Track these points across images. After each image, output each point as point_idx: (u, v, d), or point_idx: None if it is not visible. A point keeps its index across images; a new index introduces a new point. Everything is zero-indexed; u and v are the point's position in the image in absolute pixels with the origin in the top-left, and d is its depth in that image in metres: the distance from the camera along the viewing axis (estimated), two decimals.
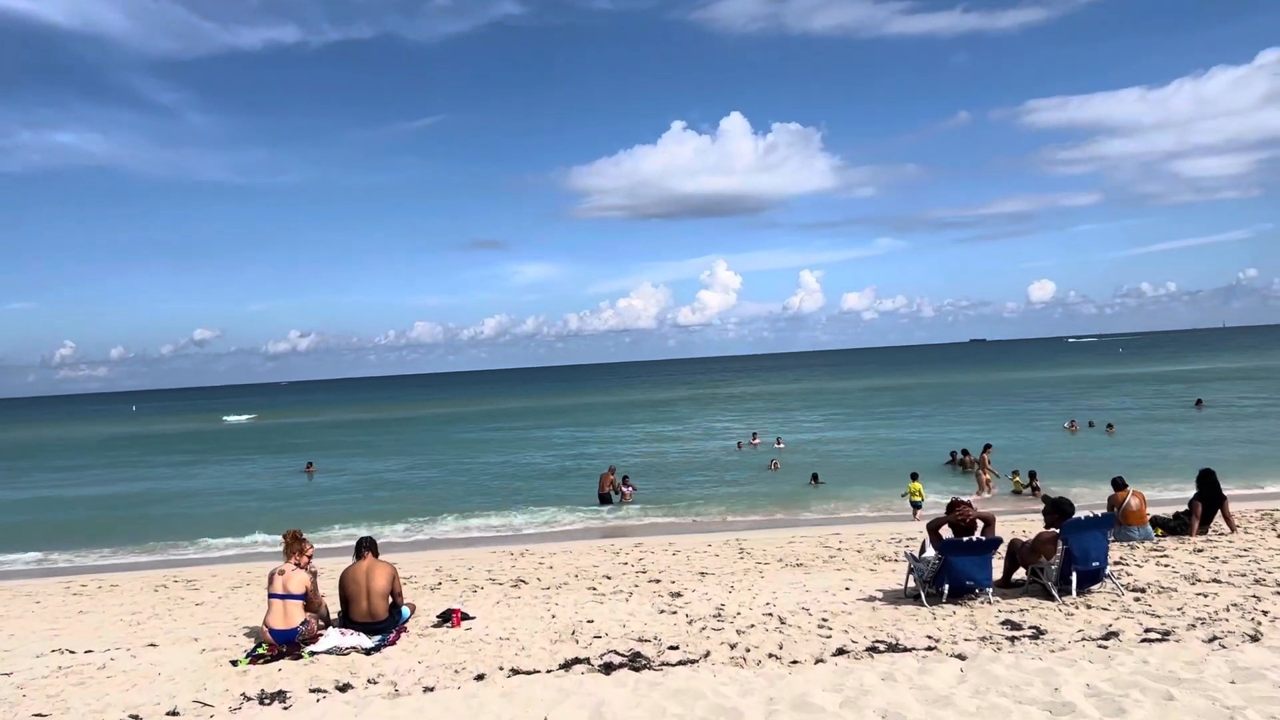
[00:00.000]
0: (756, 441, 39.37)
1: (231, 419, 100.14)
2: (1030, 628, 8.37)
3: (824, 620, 9.34)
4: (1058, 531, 9.70)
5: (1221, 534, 13.92)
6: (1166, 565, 11.41)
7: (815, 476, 29.30)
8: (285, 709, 7.22)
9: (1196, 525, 13.85)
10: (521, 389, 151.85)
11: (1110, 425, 39.35)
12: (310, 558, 10.54)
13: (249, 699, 7.52)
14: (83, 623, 12.52)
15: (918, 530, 18.30)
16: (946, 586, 9.61)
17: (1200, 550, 12.43)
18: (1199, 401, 47.23)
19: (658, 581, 12.77)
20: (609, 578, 13.55)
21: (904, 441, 39.70)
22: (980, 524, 9.76)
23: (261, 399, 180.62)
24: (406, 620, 10.57)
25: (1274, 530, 13.83)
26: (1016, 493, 25.08)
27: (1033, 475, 25.07)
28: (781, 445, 38.59)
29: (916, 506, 22.76)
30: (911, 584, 10.33)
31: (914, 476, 23.69)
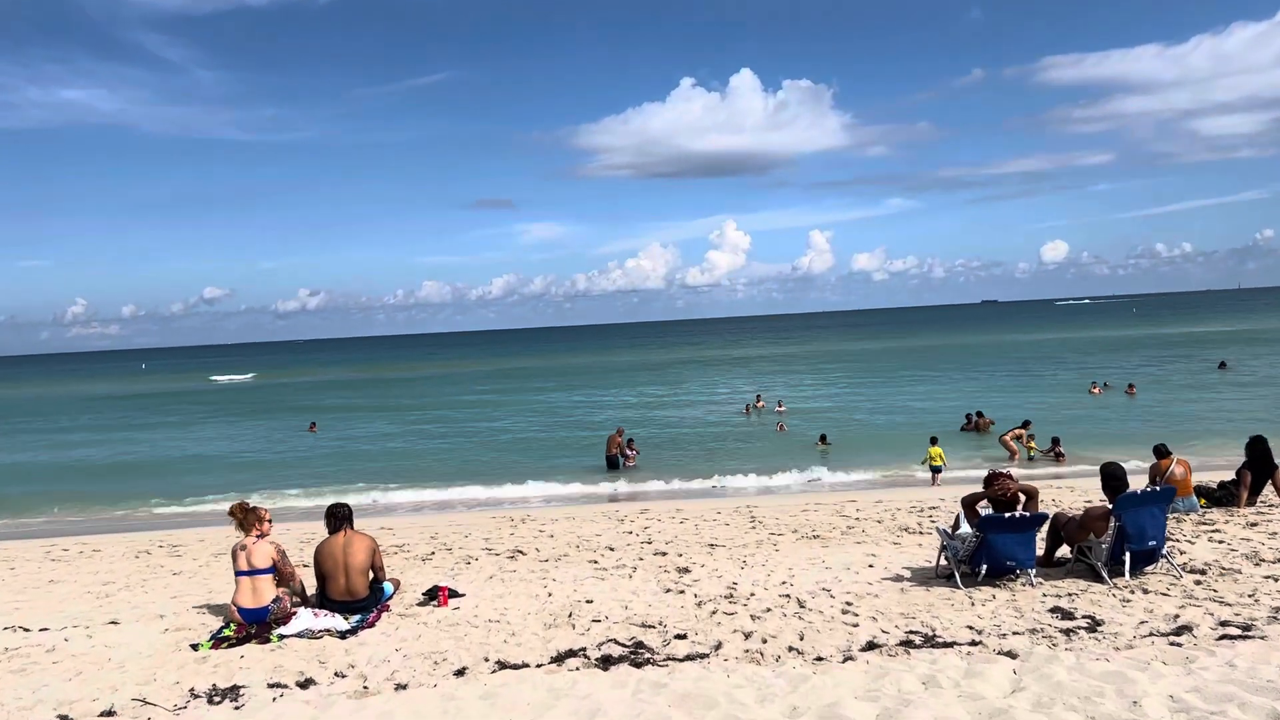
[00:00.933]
0: (761, 404, 38.40)
1: (227, 379, 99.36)
2: (1084, 617, 7.40)
3: (848, 604, 8.39)
4: (1110, 506, 8.70)
5: (1273, 505, 12.91)
6: (1221, 542, 10.42)
7: (823, 437, 28.33)
8: (236, 709, 6.32)
9: (1245, 496, 12.83)
10: (529, 349, 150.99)
11: (1131, 386, 38.32)
12: (270, 522, 9.63)
13: (197, 696, 6.62)
14: (50, 595, 11.68)
15: (938, 497, 17.36)
16: (984, 567, 8.64)
17: (1255, 524, 11.43)
18: (1222, 363, 46.00)
19: (664, 554, 11.84)
20: (612, 549, 12.63)
21: (916, 405, 38.63)
22: (1023, 498, 8.76)
23: (271, 357, 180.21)
24: (389, 598, 9.67)
25: None
26: (1031, 458, 24.10)
27: (1055, 441, 24.03)
28: (783, 409, 37.52)
29: (936, 472, 21.86)
30: (944, 563, 9.37)
31: (934, 441, 22.79)
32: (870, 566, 10.20)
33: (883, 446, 27.88)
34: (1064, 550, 9.49)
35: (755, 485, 23.08)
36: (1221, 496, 13.11)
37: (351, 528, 9.44)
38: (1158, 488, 13.02)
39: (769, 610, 8.31)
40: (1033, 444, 24.49)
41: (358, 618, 9.09)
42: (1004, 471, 8.85)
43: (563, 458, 29.46)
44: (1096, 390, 38.42)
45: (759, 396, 39.72)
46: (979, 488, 9.17)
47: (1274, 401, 33.21)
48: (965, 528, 9.22)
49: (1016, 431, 24.87)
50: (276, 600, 9.18)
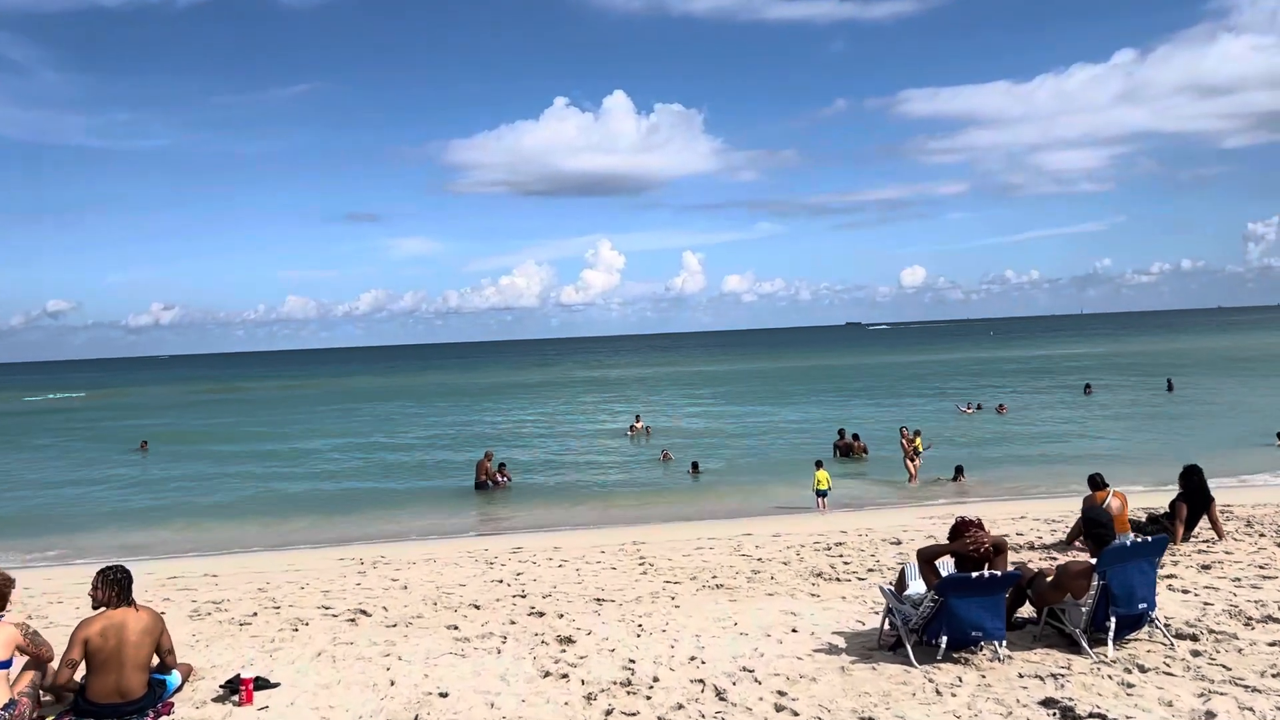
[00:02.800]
0: (641, 424, 36.69)
1: (56, 396, 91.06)
2: (1094, 718, 5.73)
3: (781, 694, 6.53)
4: (1092, 562, 7.14)
5: (1206, 541, 11.83)
6: (1186, 591, 9.08)
7: (695, 465, 26.73)
8: None
9: (1181, 531, 11.70)
10: (396, 367, 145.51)
11: (1001, 406, 38.51)
12: (12, 586, 7.16)
13: None
14: None
15: (839, 530, 15.85)
16: (945, 638, 6.93)
17: (1208, 568, 10.20)
18: (1087, 387, 47.06)
19: (540, 614, 9.74)
20: (477, 606, 10.44)
21: (790, 426, 37.67)
22: (991, 554, 7.10)
23: (110, 374, 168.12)
24: (173, 693, 7.25)
25: (1271, 537, 11.81)
26: (912, 457, 23.27)
27: (959, 470, 23.10)
28: (641, 426, 36.43)
29: (822, 496, 20.76)
30: (888, 629, 7.63)
31: (819, 464, 21.77)
32: (793, 631, 8.38)
33: (763, 470, 26.59)
34: (1024, 610, 7.92)
35: (638, 515, 21.19)
36: (1153, 531, 11.94)
37: (132, 602, 7.00)
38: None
39: (681, 708, 6.35)
40: (918, 440, 23.61)
41: None
42: (974, 520, 7.19)
43: (426, 483, 26.91)
44: (968, 410, 38.39)
45: (638, 417, 38.00)
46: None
47: (1141, 424, 33.63)
48: (915, 587, 7.52)
49: (916, 442, 23.65)
50: (10, 706, 6.68)
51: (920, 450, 23.33)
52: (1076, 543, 12.41)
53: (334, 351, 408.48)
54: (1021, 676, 6.62)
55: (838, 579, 10.94)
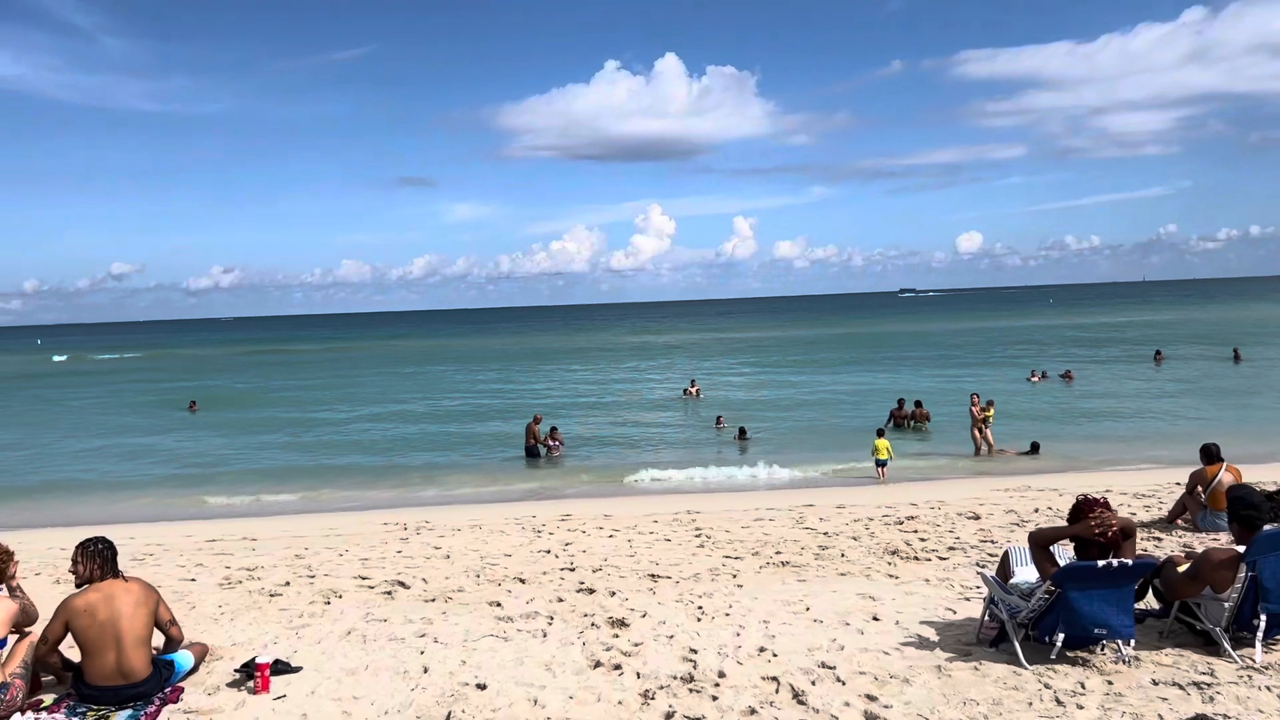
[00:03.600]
0: (696, 389, 35.78)
1: (114, 356, 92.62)
2: None
3: (871, 700, 5.59)
4: (1239, 550, 6.07)
5: None
6: None
7: (742, 431, 25.71)
8: None
9: None
10: (449, 331, 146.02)
11: (1068, 373, 36.85)
12: (16, 563, 6.51)
13: None
14: None
15: (909, 503, 14.81)
16: (1061, 635, 5.93)
17: None
18: (1158, 354, 44.98)
19: (590, 591, 8.90)
20: (522, 580, 9.65)
21: (845, 393, 36.38)
22: (1120, 538, 6.05)
23: (168, 336, 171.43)
24: (184, 676, 6.55)
25: None
26: (981, 427, 21.94)
27: (1035, 446, 21.78)
28: (695, 390, 35.71)
29: (882, 465, 19.86)
30: (989, 622, 6.64)
31: (880, 432, 20.87)
32: (874, 619, 7.43)
33: (816, 438, 25.56)
34: (1147, 601, 6.87)
35: (691, 482, 20.36)
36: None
37: (117, 574, 6.29)
38: (1204, 500, 10.73)
39: (754, 713, 5.46)
40: (990, 410, 22.25)
41: (128, 714, 5.99)
42: (1099, 498, 6.13)
43: (474, 447, 26.30)
44: (1035, 379, 36.78)
45: (693, 382, 37.05)
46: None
47: (1214, 395, 31.81)
48: (1022, 574, 6.51)
49: (987, 414, 22.24)
50: (2, 689, 6.03)
51: (990, 420, 22.01)
52: (1179, 520, 11.27)
53: (388, 315, 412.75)
54: (1156, 684, 5.61)
55: (915, 558, 9.95)
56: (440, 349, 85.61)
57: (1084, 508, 6.04)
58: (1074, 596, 5.83)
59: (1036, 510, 13.21)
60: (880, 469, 19.91)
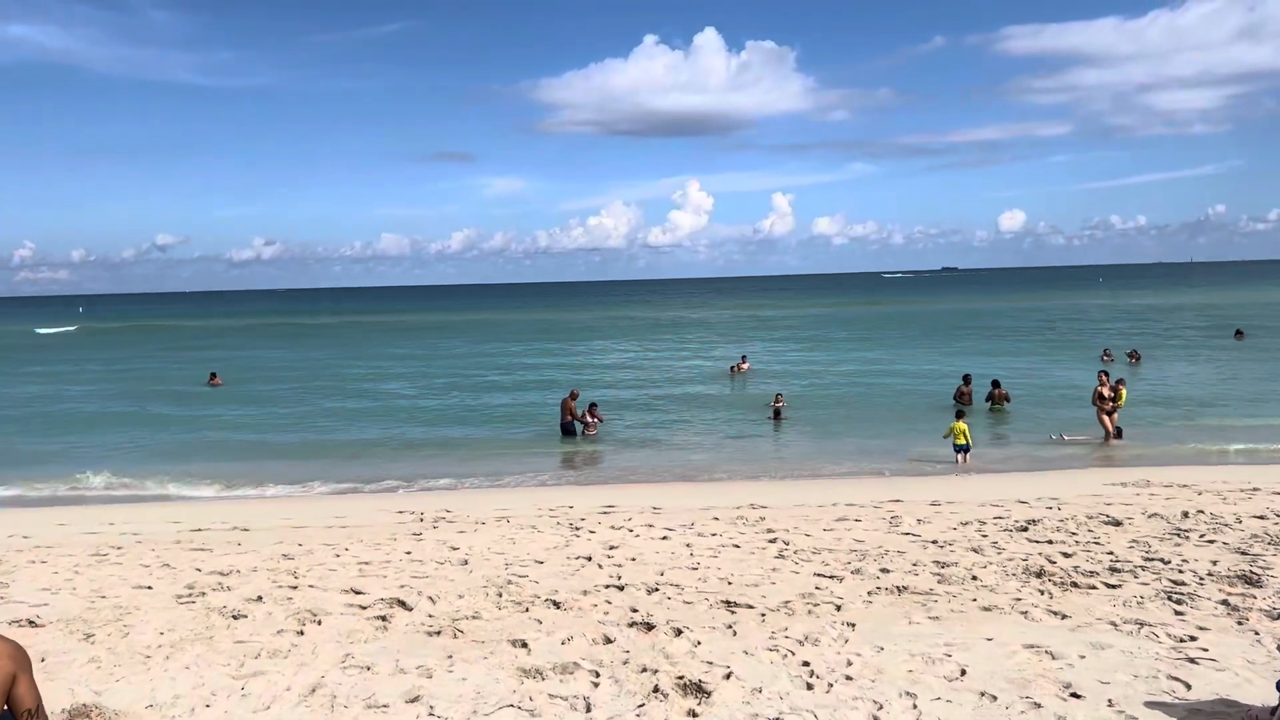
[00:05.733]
0: (746, 366, 33.32)
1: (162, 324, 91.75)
2: None
3: None
4: None
5: None
6: None
7: (777, 412, 23.27)
8: None
9: None
10: (486, 304, 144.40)
11: (1133, 353, 33.84)
12: None
13: None
14: None
15: (1014, 500, 12.37)
16: None
17: None
18: (1239, 332, 41.75)
19: (648, 627, 6.63)
20: (557, 604, 7.41)
21: (895, 371, 33.61)
22: None
23: (210, 306, 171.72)
24: None
25: None
26: (1110, 411, 19.00)
27: (1118, 430, 19.08)
28: (746, 367, 33.38)
29: (962, 451, 17.67)
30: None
31: (959, 415, 18.56)
32: (1072, 693, 5.07)
33: (872, 419, 23.19)
34: None
35: (746, 469, 17.99)
36: None
37: None
38: None
39: None
40: (1123, 390, 19.26)
41: None
42: None
43: (508, 425, 24.16)
44: (1108, 358, 33.87)
45: (744, 358, 34.55)
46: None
47: None
48: None
49: (1117, 389, 19.21)
50: None
51: (1121, 404, 19.01)
52: None
53: (427, 289, 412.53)
54: None
55: (1074, 584, 7.56)
56: (476, 323, 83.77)
57: None
58: None
59: (1186, 515, 10.73)
60: (961, 455, 17.70)
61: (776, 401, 23.90)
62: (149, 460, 20.03)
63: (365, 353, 49.68)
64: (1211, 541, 9.16)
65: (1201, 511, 10.94)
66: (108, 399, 31.27)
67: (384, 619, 7.13)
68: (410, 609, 7.44)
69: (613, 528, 11.22)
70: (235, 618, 7.31)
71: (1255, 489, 12.76)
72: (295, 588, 8.35)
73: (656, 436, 21.67)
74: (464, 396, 30.00)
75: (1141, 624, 6.31)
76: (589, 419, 21.68)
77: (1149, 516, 10.76)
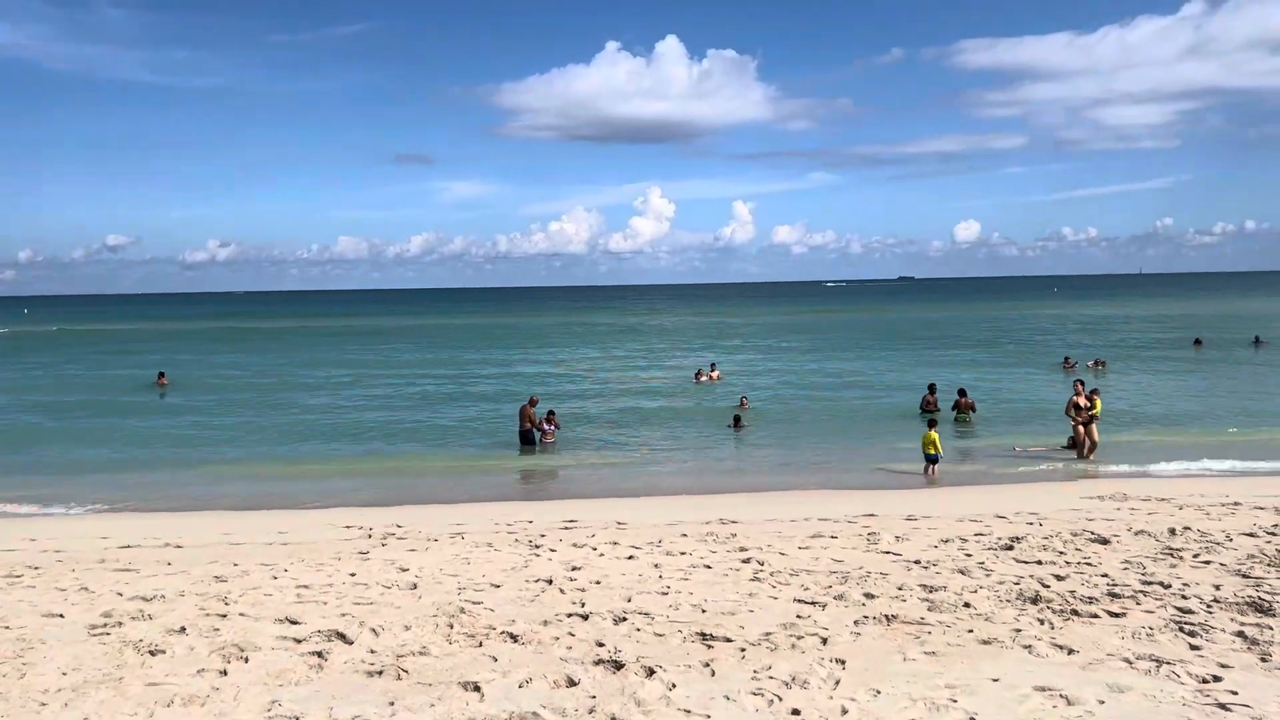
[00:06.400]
0: (716, 374, 32.53)
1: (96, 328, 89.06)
2: None
3: None
4: None
5: None
6: None
7: (737, 420, 22.81)
8: None
9: None
10: (444, 309, 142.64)
11: (1097, 361, 33.90)
12: None
13: None
14: None
15: (992, 515, 11.89)
16: None
17: None
18: (1198, 341, 42.13)
19: (618, 667, 5.96)
20: (514, 636, 6.70)
21: (856, 380, 33.16)
22: None
23: (160, 308, 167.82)
24: None
25: None
26: (1087, 422, 18.46)
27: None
28: (717, 375, 32.51)
29: (931, 460, 17.32)
30: None
31: (931, 424, 18.13)
32: None
33: (834, 428, 22.85)
34: None
35: (713, 481, 17.38)
36: None
37: None
38: None
39: None
40: (1098, 400, 18.71)
41: None
42: None
43: (465, 433, 23.31)
44: (1069, 366, 33.87)
45: (713, 366, 33.79)
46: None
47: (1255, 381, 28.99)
48: None
49: (1092, 398, 18.63)
50: None
51: (1097, 416, 18.44)
52: None
53: (385, 292, 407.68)
54: None
55: (1074, 612, 7.01)
56: (433, 328, 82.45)
57: None
58: None
59: (1174, 532, 10.30)
60: (930, 466, 17.30)
61: (743, 405, 23.28)
62: (77, 472, 18.90)
63: (318, 357, 48.35)
64: (1207, 562, 8.69)
65: (1189, 528, 10.52)
66: (29, 410, 29.85)
67: (320, 655, 6.37)
68: (350, 642, 6.69)
69: (575, 545, 10.53)
70: (152, 653, 6.51)
71: (1236, 503, 12.41)
72: (224, 616, 7.56)
73: (619, 446, 20.98)
74: (417, 404, 29.07)
75: (1158, 661, 5.75)
76: (546, 427, 20.95)
77: (1135, 534, 10.31)
